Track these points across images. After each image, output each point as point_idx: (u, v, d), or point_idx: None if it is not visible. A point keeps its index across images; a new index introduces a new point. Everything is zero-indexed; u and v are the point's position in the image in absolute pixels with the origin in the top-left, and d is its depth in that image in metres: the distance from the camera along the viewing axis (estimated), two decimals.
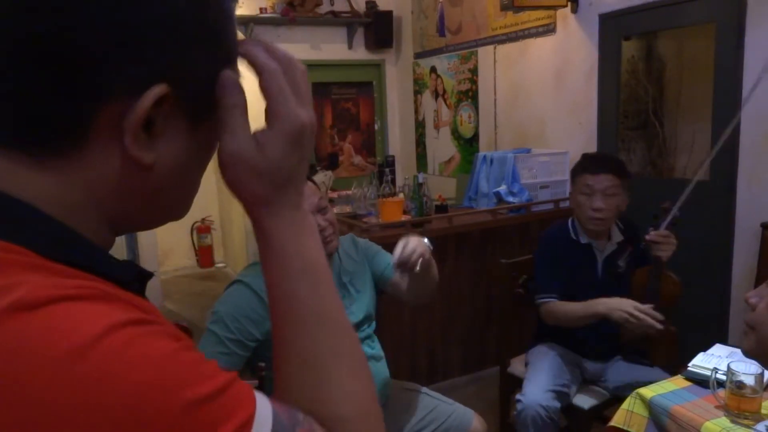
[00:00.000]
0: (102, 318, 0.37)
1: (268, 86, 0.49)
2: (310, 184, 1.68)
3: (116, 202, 0.45)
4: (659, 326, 1.88)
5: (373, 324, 1.82)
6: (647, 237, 1.98)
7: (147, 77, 0.41)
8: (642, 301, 1.97)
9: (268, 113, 0.49)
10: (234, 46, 0.48)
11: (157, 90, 0.41)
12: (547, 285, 2.13)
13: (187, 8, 0.42)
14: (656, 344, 2.10)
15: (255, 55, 0.49)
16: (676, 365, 1.87)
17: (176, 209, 0.51)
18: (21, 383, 0.34)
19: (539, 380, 2.02)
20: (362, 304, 1.77)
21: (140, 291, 0.46)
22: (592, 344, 2.16)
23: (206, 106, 0.47)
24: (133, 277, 0.46)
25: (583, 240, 2.16)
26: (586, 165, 2.15)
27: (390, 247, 2.83)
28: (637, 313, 1.89)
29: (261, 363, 1.66)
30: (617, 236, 2.18)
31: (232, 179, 0.50)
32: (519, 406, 1.97)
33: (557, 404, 1.98)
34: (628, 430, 1.54)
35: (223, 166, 0.50)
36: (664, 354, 2.12)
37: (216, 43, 0.46)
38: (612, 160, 2.23)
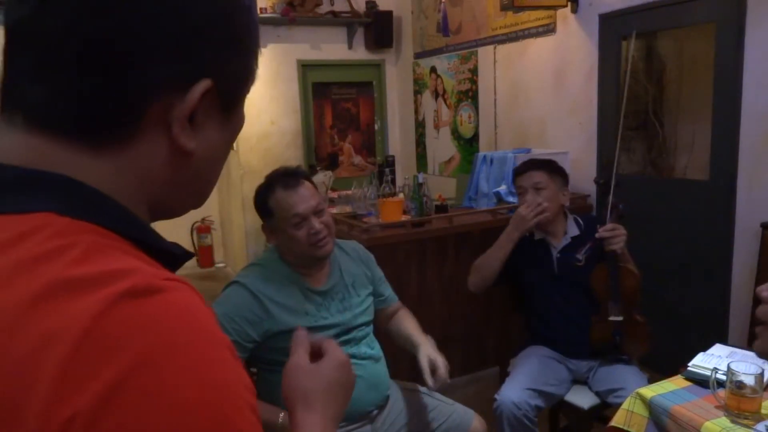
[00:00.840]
0: (205, 307, 0.43)
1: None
2: (308, 185, 1.68)
3: (158, 188, 0.49)
4: (547, 214, 2.17)
5: (371, 326, 1.83)
6: (596, 235, 2.09)
7: (192, 74, 0.47)
8: (605, 296, 2.10)
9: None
10: (257, 43, 0.53)
11: (203, 84, 0.47)
12: None
13: (223, 12, 0.49)
14: (628, 337, 2.13)
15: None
16: (661, 358, 1.89)
17: (203, 196, 0.56)
18: (166, 357, 0.38)
19: (516, 380, 2.11)
20: (363, 305, 1.77)
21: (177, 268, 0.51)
22: (562, 341, 2.21)
23: (237, 98, 0.52)
24: (184, 255, 0.51)
25: (537, 236, 2.30)
26: (516, 169, 2.36)
27: (391, 247, 2.84)
28: (526, 212, 2.17)
29: (252, 369, 1.66)
30: (573, 231, 2.29)
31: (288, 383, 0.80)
32: (494, 405, 2.04)
33: (536, 403, 2.04)
34: (629, 430, 1.54)
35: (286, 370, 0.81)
36: (637, 345, 2.15)
37: (245, 41, 0.52)
38: (538, 159, 2.38)
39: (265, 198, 1.65)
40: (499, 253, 2.25)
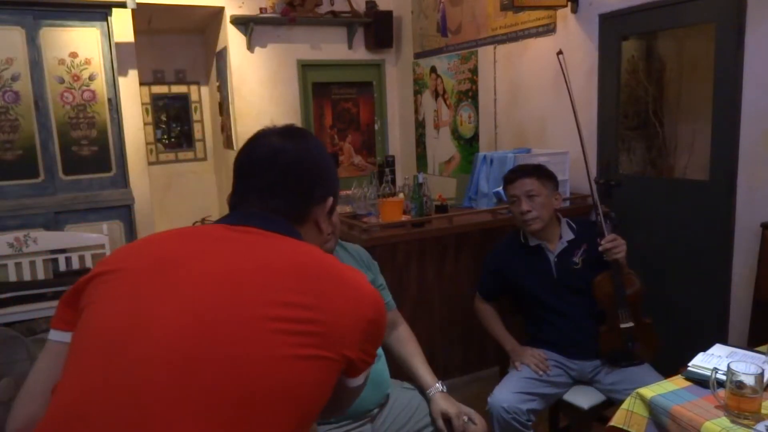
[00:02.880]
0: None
1: None
2: None
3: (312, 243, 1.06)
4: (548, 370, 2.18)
5: None
6: (600, 249, 2.13)
7: (326, 195, 1.08)
8: (612, 304, 2.13)
9: None
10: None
11: (330, 199, 1.09)
12: (482, 286, 2.45)
13: (334, 169, 1.13)
14: (640, 342, 2.14)
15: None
16: (661, 358, 1.90)
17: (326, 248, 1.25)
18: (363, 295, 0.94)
19: (508, 383, 2.14)
20: None
21: None
22: (564, 343, 2.22)
23: (335, 207, 1.12)
24: None
25: (532, 243, 2.29)
26: (505, 178, 2.34)
27: (390, 247, 2.84)
28: (534, 366, 2.17)
29: None
30: (568, 235, 2.29)
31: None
32: (486, 407, 2.07)
33: (530, 406, 2.06)
34: (628, 430, 1.54)
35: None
36: (646, 346, 2.16)
37: (337, 179, 1.14)
38: (527, 166, 2.37)
39: None
40: (494, 336, 2.38)
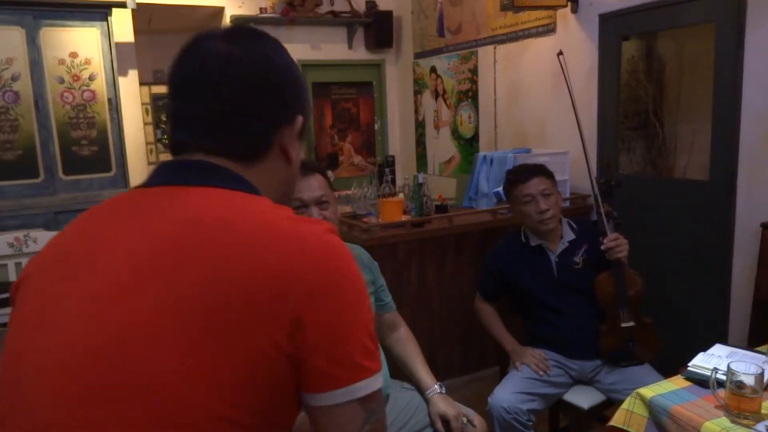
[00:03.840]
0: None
1: None
2: (320, 178, 1.71)
3: (274, 187, 0.82)
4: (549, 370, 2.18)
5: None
6: (602, 248, 2.12)
7: (293, 115, 0.82)
8: (613, 303, 2.13)
9: None
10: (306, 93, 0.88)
11: (300, 119, 0.83)
12: (482, 286, 2.44)
13: (299, 77, 0.84)
14: (640, 341, 2.14)
15: None
16: (662, 358, 1.90)
17: (292, 194, 0.90)
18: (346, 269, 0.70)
19: (508, 383, 2.14)
20: None
21: None
22: (565, 343, 2.21)
23: (306, 127, 0.85)
24: None
25: (533, 243, 2.29)
26: (516, 177, 2.30)
27: (391, 247, 2.84)
28: (534, 366, 2.17)
29: None
30: (569, 235, 2.29)
31: None
32: (486, 407, 2.07)
33: (530, 406, 2.06)
34: (628, 430, 1.54)
35: None
36: (646, 346, 2.16)
37: (305, 92, 0.87)
38: (533, 165, 2.36)
39: None
40: (494, 336, 2.38)
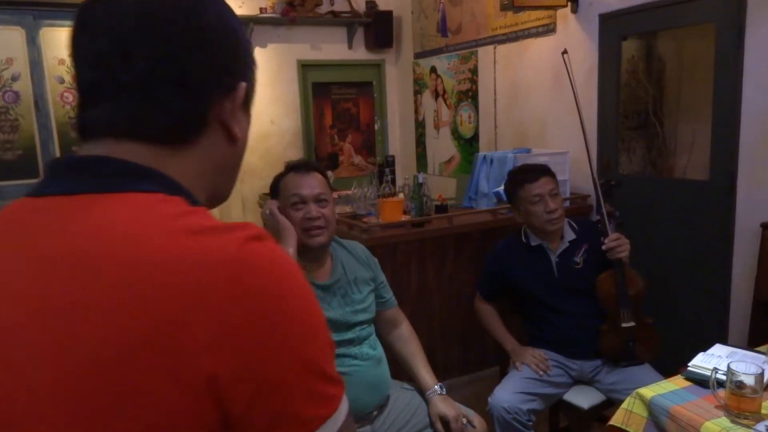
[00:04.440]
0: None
1: None
2: (319, 176, 1.73)
3: (213, 172, 0.65)
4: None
5: (373, 326, 1.83)
6: (603, 247, 2.12)
7: (233, 82, 0.64)
8: (614, 303, 2.12)
9: None
10: (252, 54, 0.70)
11: (243, 86, 0.64)
12: (482, 286, 2.43)
13: (240, 38, 0.66)
14: (641, 341, 2.14)
15: None
16: (662, 358, 1.90)
17: (235, 180, 0.71)
18: (287, 281, 0.53)
19: (508, 383, 2.14)
20: (365, 302, 1.78)
21: None
22: (565, 343, 2.22)
23: (252, 95, 0.68)
24: None
25: (534, 242, 2.29)
26: (524, 177, 2.30)
27: (391, 247, 2.84)
28: (534, 366, 2.16)
29: None
30: (569, 235, 2.30)
31: None
32: (487, 407, 2.07)
33: (530, 406, 2.06)
34: (627, 429, 1.54)
35: None
36: (651, 346, 2.16)
37: (251, 54, 0.69)
38: (538, 165, 2.37)
39: (277, 180, 1.76)
40: (495, 337, 2.38)
